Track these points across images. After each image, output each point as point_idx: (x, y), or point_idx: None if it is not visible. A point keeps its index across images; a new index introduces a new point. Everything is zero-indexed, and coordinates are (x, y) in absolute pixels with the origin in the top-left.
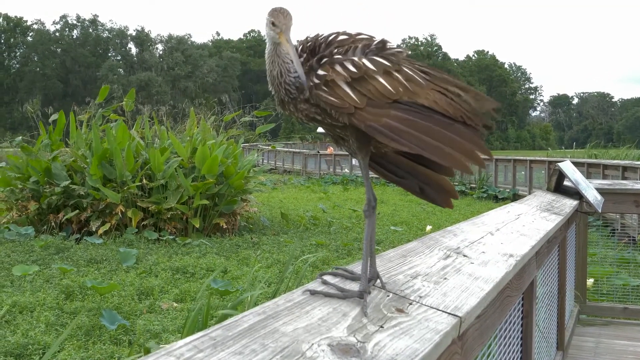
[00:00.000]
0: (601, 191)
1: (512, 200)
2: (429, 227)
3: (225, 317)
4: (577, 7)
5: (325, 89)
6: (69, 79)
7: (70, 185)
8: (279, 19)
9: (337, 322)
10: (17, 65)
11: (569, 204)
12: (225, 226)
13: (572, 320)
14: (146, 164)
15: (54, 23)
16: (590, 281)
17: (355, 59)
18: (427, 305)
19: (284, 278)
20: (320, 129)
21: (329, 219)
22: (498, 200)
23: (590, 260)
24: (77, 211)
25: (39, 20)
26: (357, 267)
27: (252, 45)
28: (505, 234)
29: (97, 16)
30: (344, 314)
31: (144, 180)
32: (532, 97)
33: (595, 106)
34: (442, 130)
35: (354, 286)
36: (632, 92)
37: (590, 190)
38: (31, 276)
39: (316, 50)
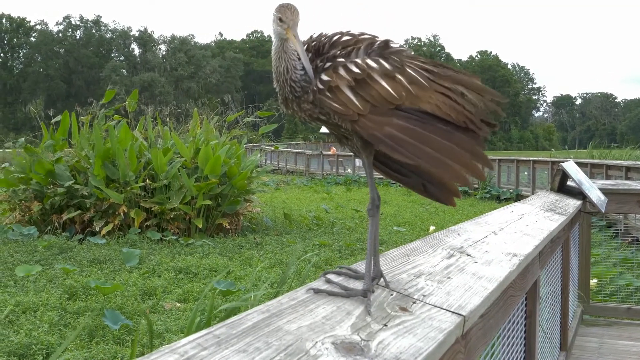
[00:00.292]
0: (604, 191)
1: (515, 201)
2: (432, 228)
3: (229, 312)
4: (581, 7)
5: (329, 94)
6: (72, 80)
7: (74, 186)
8: (287, 14)
9: (340, 320)
10: (21, 66)
11: (573, 204)
12: (228, 226)
13: (576, 320)
14: (149, 165)
15: (57, 24)
16: (593, 281)
17: (359, 60)
18: (431, 304)
19: (287, 278)
20: (323, 129)
21: (332, 220)
22: (501, 200)
23: (593, 260)
24: (80, 211)
25: (42, 20)
26: (361, 266)
27: (255, 45)
28: (508, 234)
29: (100, 17)
30: (347, 312)
31: (147, 181)
32: (535, 97)
33: (599, 107)
34: (442, 140)
35: (358, 285)
36: (635, 92)
37: (593, 190)
38: (34, 276)
39: (320, 50)
